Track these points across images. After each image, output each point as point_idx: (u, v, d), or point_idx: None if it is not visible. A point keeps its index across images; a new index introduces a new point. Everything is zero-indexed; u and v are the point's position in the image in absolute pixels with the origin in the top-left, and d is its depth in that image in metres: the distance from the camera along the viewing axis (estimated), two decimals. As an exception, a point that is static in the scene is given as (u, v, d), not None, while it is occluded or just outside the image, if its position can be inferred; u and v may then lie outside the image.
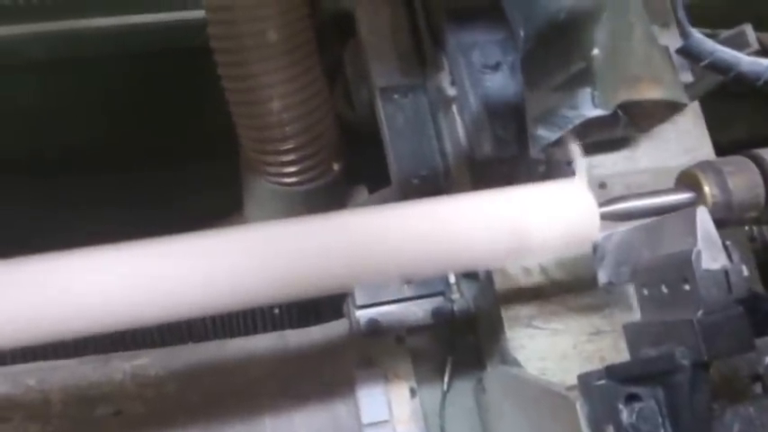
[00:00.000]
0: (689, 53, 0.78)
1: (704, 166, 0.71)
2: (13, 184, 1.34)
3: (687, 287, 0.56)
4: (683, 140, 0.88)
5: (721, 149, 0.88)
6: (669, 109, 0.73)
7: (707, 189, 0.68)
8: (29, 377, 0.80)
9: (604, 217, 0.68)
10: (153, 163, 1.37)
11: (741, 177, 0.69)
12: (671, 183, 0.74)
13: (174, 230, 0.62)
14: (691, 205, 0.68)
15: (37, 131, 1.39)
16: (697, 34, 0.76)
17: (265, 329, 0.94)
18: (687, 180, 0.71)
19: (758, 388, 0.58)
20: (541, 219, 0.66)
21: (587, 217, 0.67)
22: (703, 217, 0.57)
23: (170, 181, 1.38)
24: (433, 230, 0.65)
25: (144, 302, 0.60)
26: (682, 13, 0.76)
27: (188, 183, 1.38)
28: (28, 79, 1.32)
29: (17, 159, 1.36)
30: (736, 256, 0.56)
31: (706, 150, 0.88)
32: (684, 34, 0.76)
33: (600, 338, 0.77)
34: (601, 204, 0.68)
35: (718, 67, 0.77)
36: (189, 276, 0.60)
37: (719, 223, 0.67)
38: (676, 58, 0.80)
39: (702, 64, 0.77)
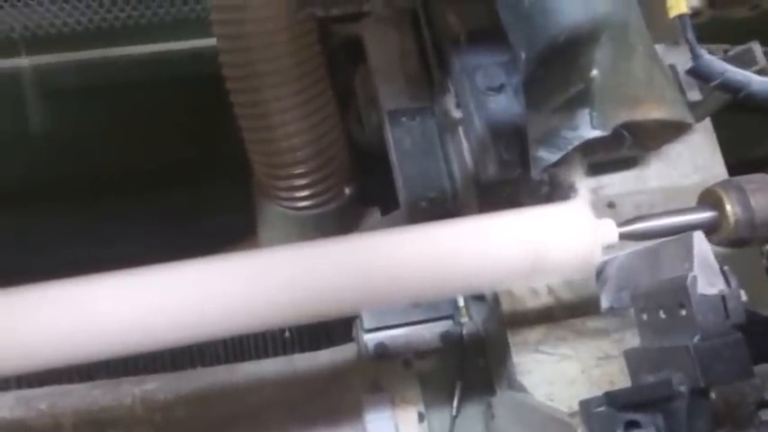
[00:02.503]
0: (699, 74, 0.77)
1: (726, 184, 0.69)
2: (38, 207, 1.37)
3: (684, 313, 0.55)
4: (694, 158, 0.87)
5: (746, 165, 0.85)
6: (675, 129, 0.72)
7: (729, 207, 0.67)
8: (41, 401, 0.82)
9: (623, 237, 0.66)
10: (172, 185, 1.40)
11: (764, 195, 0.67)
12: (681, 201, 0.72)
13: (189, 251, 0.63)
14: (712, 224, 0.67)
15: (66, 156, 1.42)
16: (707, 55, 0.75)
17: (276, 353, 0.94)
18: (709, 198, 0.69)
19: (765, 414, 0.57)
20: (551, 240, 0.65)
21: (591, 239, 0.66)
22: (700, 242, 0.56)
23: (188, 202, 1.40)
24: (444, 254, 0.64)
25: (160, 328, 0.61)
26: (691, 35, 0.75)
27: (204, 205, 1.39)
28: (63, 106, 1.36)
29: (46, 183, 1.39)
30: (733, 282, 0.54)
31: (717, 168, 0.87)
32: (694, 55, 0.75)
33: (608, 363, 0.76)
34: (620, 224, 0.67)
35: (729, 87, 0.75)
36: (202, 302, 0.61)
37: (742, 242, 0.66)
38: (684, 77, 0.79)
39: (713, 84, 0.76)
